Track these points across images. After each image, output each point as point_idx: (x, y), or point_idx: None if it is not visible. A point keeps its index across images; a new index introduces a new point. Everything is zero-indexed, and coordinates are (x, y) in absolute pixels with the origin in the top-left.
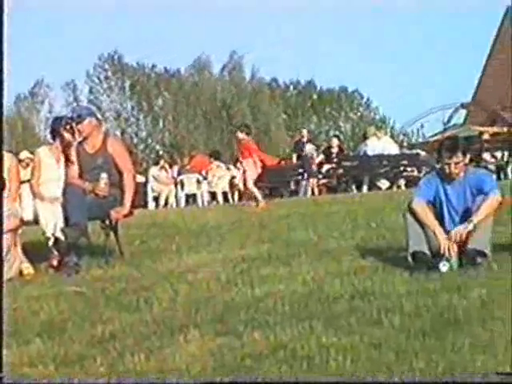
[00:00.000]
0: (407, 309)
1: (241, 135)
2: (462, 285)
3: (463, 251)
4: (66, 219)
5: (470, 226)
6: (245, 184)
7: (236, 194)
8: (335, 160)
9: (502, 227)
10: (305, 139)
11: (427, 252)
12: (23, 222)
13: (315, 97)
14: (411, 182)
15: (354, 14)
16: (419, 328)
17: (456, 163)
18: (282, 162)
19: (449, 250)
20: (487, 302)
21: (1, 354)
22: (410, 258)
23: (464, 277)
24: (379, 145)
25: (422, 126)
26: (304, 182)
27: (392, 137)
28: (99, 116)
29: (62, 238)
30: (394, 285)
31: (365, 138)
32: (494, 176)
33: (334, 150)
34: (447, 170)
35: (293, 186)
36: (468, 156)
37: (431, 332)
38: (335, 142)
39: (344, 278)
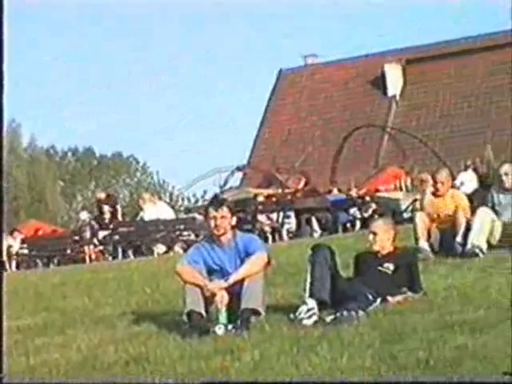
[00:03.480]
0: (180, 374)
1: None
2: (234, 347)
3: (237, 312)
4: None
5: (225, 284)
6: None
7: (14, 262)
8: (111, 226)
9: (274, 288)
10: (103, 197)
11: (203, 313)
12: None
13: (95, 163)
14: (188, 246)
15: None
16: None
17: (222, 217)
18: (59, 230)
19: (221, 300)
20: (260, 364)
21: (1, 354)
22: (185, 318)
23: (237, 339)
24: (155, 210)
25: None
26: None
27: (170, 201)
28: None
29: None
30: (167, 349)
31: (138, 203)
32: (270, 237)
33: (107, 215)
34: (213, 224)
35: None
36: (235, 218)
37: None
38: (106, 208)
39: (119, 344)
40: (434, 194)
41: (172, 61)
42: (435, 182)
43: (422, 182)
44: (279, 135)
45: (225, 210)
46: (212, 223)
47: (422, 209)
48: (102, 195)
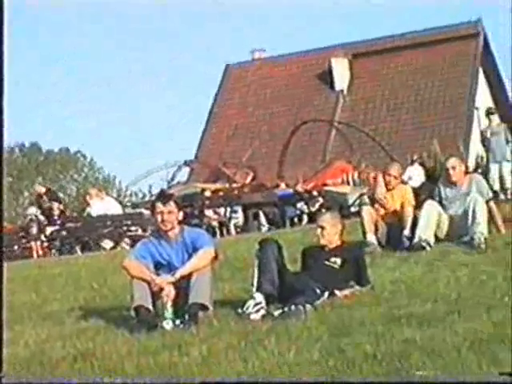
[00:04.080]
0: (128, 369)
1: None
2: (182, 342)
3: (184, 307)
4: None
5: (172, 279)
6: None
7: None
8: (58, 222)
9: (222, 283)
10: (43, 191)
11: (151, 308)
12: None
13: (41, 158)
14: (136, 242)
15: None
16: None
17: (169, 212)
18: (6, 226)
19: (168, 295)
20: (208, 359)
21: (1, 354)
22: (133, 313)
23: (185, 334)
24: (102, 205)
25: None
26: None
27: (118, 196)
28: None
29: None
30: (115, 345)
31: (85, 199)
32: (218, 231)
33: (56, 212)
34: (160, 219)
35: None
36: (182, 213)
37: None
38: (56, 204)
39: (66, 340)
40: (385, 187)
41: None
42: (388, 175)
43: (373, 180)
44: (226, 130)
45: (172, 205)
46: (159, 218)
47: (373, 202)
48: (42, 189)
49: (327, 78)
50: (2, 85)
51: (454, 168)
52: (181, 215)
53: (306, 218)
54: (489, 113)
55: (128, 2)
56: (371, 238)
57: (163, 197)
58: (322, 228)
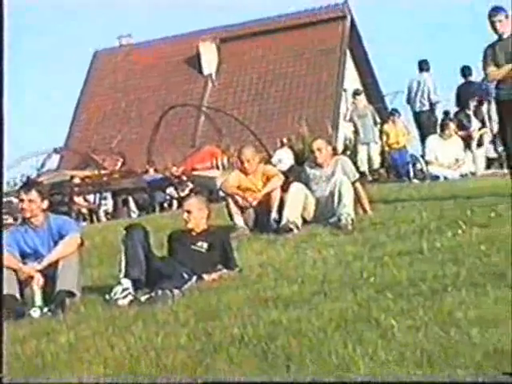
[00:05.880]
0: None
1: None
2: (50, 329)
3: (52, 295)
4: None
5: (39, 266)
6: None
7: None
8: None
9: (90, 269)
10: None
11: (18, 296)
12: None
13: None
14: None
15: None
16: None
17: (30, 200)
18: None
19: (36, 283)
20: (75, 345)
21: (1, 354)
22: None
23: (53, 321)
24: None
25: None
26: None
27: None
28: None
29: None
30: None
31: None
32: (88, 218)
33: None
34: (20, 207)
35: None
36: (46, 201)
37: None
38: None
39: None
40: (244, 172)
41: None
42: (241, 162)
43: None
44: (95, 116)
45: (33, 194)
46: (20, 206)
47: (226, 188)
48: None
49: (195, 62)
50: (2, 86)
51: (319, 150)
52: (46, 203)
53: (175, 203)
54: (355, 94)
55: None
56: (239, 221)
57: (26, 185)
58: (189, 212)
